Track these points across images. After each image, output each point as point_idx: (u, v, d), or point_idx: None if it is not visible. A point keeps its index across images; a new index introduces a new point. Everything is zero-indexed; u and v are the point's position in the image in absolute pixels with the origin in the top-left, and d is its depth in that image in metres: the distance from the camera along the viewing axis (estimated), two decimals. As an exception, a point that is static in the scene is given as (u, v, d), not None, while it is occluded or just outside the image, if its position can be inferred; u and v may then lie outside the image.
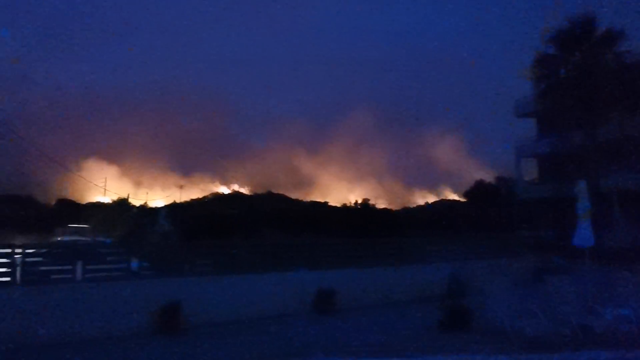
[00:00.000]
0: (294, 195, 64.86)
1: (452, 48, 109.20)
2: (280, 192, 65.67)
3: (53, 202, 58.44)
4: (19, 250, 12.36)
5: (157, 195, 70.55)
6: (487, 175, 61.62)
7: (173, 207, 51.99)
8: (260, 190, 67.66)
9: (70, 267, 12.96)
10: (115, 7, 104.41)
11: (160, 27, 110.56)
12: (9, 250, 12.37)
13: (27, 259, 12.43)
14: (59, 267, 13.18)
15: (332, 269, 16.84)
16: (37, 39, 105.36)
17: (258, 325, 13.64)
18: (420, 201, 71.40)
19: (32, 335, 11.34)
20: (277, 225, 34.63)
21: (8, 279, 12.07)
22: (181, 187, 75.60)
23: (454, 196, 70.24)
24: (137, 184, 77.00)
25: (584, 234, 13.24)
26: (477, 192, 52.74)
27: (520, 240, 25.39)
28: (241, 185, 78.99)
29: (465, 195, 58.84)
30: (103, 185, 62.48)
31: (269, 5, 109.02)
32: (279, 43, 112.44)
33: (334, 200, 58.37)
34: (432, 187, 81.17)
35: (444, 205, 59.94)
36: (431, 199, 72.25)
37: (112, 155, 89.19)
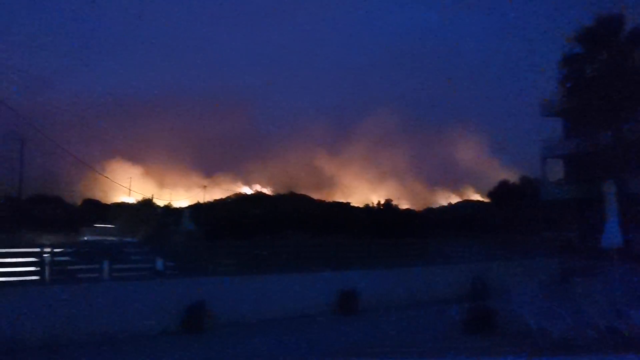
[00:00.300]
0: (316, 195, 64.85)
1: (476, 47, 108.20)
2: (303, 192, 65.71)
3: (80, 203, 59.33)
4: (48, 250, 12.61)
5: (180, 196, 71.23)
6: (511, 176, 60.84)
7: (197, 208, 52.43)
8: (282, 191, 67.80)
9: (97, 266, 13.20)
10: (136, 10, 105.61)
11: (181, 29, 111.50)
12: (38, 250, 12.63)
13: (56, 258, 12.68)
14: (86, 266, 13.43)
15: (355, 269, 16.83)
16: (63, 43, 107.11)
17: (282, 326, 13.69)
18: (443, 201, 70.84)
19: (60, 333, 11.56)
20: (300, 225, 34.65)
21: (37, 277, 12.33)
22: (204, 187, 76.19)
23: (477, 197, 69.59)
24: (161, 184, 77.82)
25: (611, 235, 13.02)
26: (501, 193, 52.12)
27: (545, 241, 25.07)
28: (263, 186, 79.32)
29: (489, 195, 58.19)
30: (128, 185, 63.26)
31: (290, 6, 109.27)
32: (300, 43, 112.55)
33: (357, 201, 58.19)
34: (454, 188, 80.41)
35: (467, 205, 59.38)
36: (454, 199, 71.65)
37: (136, 156, 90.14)
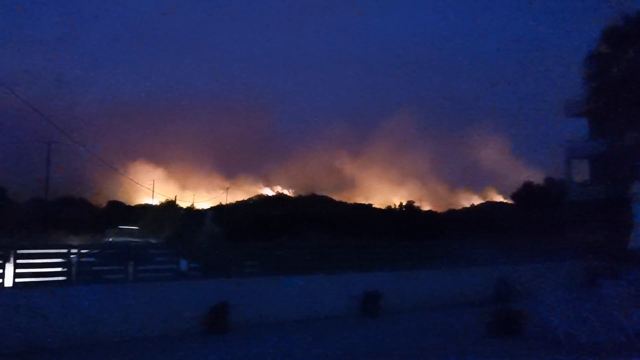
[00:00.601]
0: (337, 197, 64.84)
1: (500, 46, 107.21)
2: (324, 194, 65.74)
3: (104, 204, 60.15)
4: (74, 251, 12.77)
5: (202, 197, 71.92)
6: (535, 177, 60.14)
7: (219, 209, 52.79)
8: (303, 192, 67.97)
9: (121, 267, 13.33)
10: (159, 15, 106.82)
11: (204, 33, 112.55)
12: (65, 250, 12.81)
13: (82, 259, 12.85)
14: (111, 267, 13.57)
15: (377, 271, 16.76)
16: (88, 49, 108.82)
17: (305, 327, 13.69)
18: (466, 203, 70.29)
19: (86, 334, 11.72)
20: (321, 227, 34.66)
21: (64, 278, 12.51)
22: (227, 189, 76.81)
23: (499, 198, 68.93)
24: (183, 186, 78.59)
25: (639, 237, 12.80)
26: (525, 194, 51.48)
27: (571, 243, 24.67)
28: (284, 187, 79.61)
29: (512, 197, 57.57)
30: (151, 187, 63.95)
31: (309, 7, 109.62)
32: (320, 44, 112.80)
33: (378, 202, 58.08)
34: (476, 189, 79.79)
35: (490, 207, 58.78)
36: (476, 200, 71.05)
37: (159, 158, 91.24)
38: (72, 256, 12.64)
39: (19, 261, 11.91)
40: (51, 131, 45.02)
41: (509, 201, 59.23)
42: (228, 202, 65.24)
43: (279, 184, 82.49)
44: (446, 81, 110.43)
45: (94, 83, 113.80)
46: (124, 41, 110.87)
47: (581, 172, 41.30)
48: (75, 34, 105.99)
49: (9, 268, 11.74)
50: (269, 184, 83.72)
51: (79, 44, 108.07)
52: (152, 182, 64.85)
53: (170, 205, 50.85)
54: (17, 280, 11.72)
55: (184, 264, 14.32)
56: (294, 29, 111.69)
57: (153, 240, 28.84)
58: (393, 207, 49.86)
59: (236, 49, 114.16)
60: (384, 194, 72.27)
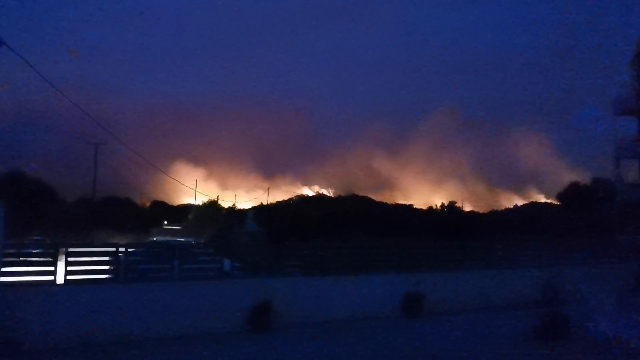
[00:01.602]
0: (378, 197, 64.50)
1: (543, 42, 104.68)
2: (364, 194, 65.48)
3: (148, 204, 61.36)
4: (122, 250, 13.09)
5: (242, 197, 72.73)
6: (580, 177, 58.48)
7: (260, 209, 53.21)
8: (342, 192, 67.89)
9: (166, 266, 13.59)
10: (199, 18, 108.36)
11: (242, 36, 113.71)
12: (113, 249, 13.14)
13: (129, 258, 13.16)
14: (157, 266, 13.86)
15: (419, 272, 16.61)
16: (132, 53, 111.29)
17: (347, 328, 13.68)
18: (508, 203, 68.94)
19: (133, 330, 12.02)
20: (362, 227, 34.54)
21: (112, 276, 12.85)
22: (268, 189, 77.49)
23: (541, 198, 67.35)
24: (223, 186, 79.55)
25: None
26: (571, 194, 50.15)
27: (621, 245, 23.91)
28: (322, 187, 79.68)
29: (558, 197, 56.15)
30: (194, 187, 64.91)
31: (347, 6, 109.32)
32: (359, 44, 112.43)
33: (419, 203, 57.53)
34: (518, 189, 78.12)
35: (535, 207, 57.48)
36: (518, 201, 69.57)
37: (199, 158, 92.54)
38: (119, 255, 12.96)
39: (70, 259, 12.27)
40: (98, 133, 46.12)
41: (554, 202, 57.87)
42: (269, 202, 65.72)
43: (317, 184, 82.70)
44: (487, 79, 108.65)
45: (138, 85, 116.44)
46: (167, 47, 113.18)
47: (631, 172, 40.08)
48: (120, 40, 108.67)
49: (61, 266, 12.12)
50: (307, 184, 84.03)
51: (124, 48, 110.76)
52: (194, 182, 65.88)
53: (213, 205, 51.52)
54: (68, 277, 12.10)
55: (227, 263, 14.50)
56: (332, 30, 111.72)
57: (196, 240, 29.27)
58: (434, 207, 49.32)
59: (274, 51, 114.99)
60: (425, 194, 71.66)
